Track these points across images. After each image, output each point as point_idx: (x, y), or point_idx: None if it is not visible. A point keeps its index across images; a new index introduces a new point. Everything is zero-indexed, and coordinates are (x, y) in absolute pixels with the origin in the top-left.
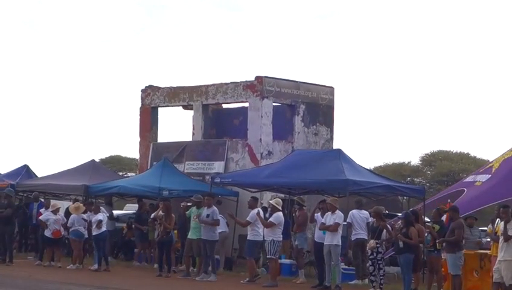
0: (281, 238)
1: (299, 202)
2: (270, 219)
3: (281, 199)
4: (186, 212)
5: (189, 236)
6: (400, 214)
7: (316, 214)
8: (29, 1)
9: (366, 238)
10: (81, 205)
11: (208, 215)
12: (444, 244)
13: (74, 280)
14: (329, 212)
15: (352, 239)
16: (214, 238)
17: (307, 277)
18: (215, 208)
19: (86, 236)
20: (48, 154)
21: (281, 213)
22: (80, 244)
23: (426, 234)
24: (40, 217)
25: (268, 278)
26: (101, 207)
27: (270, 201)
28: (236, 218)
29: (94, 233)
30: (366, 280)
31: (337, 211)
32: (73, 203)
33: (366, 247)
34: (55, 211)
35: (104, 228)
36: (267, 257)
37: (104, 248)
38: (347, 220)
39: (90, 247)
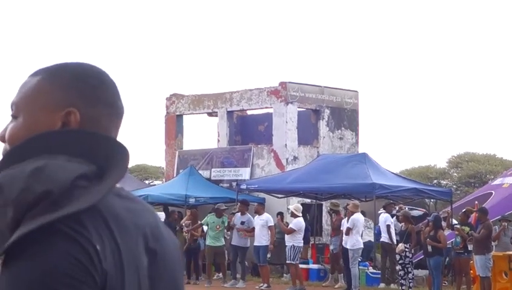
0: (302, 244)
1: (333, 208)
2: (291, 225)
3: (307, 204)
4: (203, 221)
5: (210, 244)
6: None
7: (340, 220)
8: (52, 5)
9: (386, 241)
10: None
11: (242, 223)
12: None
13: None
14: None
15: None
16: (246, 245)
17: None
18: (249, 215)
19: None
20: None
21: (301, 219)
22: None
23: (455, 237)
24: None
25: (291, 283)
26: None
27: (290, 207)
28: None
29: None
30: (391, 284)
31: (353, 215)
32: None
33: (387, 250)
34: None
35: None
36: (287, 262)
37: None
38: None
39: None
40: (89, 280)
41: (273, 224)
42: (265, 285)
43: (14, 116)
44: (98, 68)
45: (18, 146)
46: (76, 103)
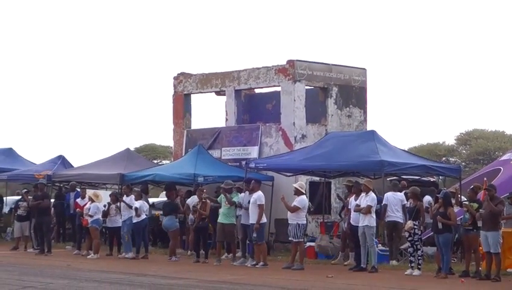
0: (305, 222)
1: (348, 185)
2: (294, 203)
3: (316, 182)
4: (218, 198)
5: (220, 221)
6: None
7: (350, 198)
8: None
9: (399, 220)
10: (100, 193)
11: (249, 201)
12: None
13: (113, 268)
14: (363, 194)
15: (386, 221)
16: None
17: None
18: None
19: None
20: (83, 144)
21: (304, 196)
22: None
23: (464, 213)
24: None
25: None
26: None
27: (294, 185)
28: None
29: (134, 221)
30: (399, 260)
31: (371, 193)
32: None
33: (399, 229)
34: (92, 200)
35: (143, 216)
36: (293, 240)
37: (144, 236)
38: (383, 202)
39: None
40: None
41: (262, 203)
42: (262, 263)
43: None
44: None
45: None
46: None
